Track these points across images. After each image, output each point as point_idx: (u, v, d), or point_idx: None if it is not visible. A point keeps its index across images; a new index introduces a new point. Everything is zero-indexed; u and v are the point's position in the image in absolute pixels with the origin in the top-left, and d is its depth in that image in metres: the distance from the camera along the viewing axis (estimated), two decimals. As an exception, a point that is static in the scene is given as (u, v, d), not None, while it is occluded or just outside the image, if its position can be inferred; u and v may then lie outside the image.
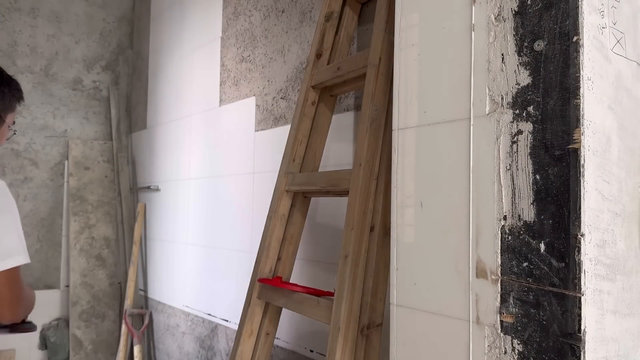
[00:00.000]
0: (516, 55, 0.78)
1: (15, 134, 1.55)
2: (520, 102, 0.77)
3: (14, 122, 1.50)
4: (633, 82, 0.80)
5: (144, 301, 2.90)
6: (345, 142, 1.53)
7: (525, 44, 0.77)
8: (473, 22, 0.85)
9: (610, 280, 0.73)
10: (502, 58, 0.80)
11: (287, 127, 1.57)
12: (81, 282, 2.94)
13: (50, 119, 2.91)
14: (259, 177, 1.94)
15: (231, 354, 1.43)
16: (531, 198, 0.75)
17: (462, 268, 0.83)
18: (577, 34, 0.71)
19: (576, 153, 0.70)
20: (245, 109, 2.05)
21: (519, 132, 0.77)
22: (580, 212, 0.69)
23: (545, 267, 0.72)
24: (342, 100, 1.57)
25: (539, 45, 0.75)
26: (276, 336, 1.48)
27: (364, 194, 1.15)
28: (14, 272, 1.23)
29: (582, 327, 0.68)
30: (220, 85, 2.24)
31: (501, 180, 0.79)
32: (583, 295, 0.68)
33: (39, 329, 2.87)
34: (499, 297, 0.78)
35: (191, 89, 2.48)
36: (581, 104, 0.70)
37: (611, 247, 0.74)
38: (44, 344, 2.92)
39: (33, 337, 2.89)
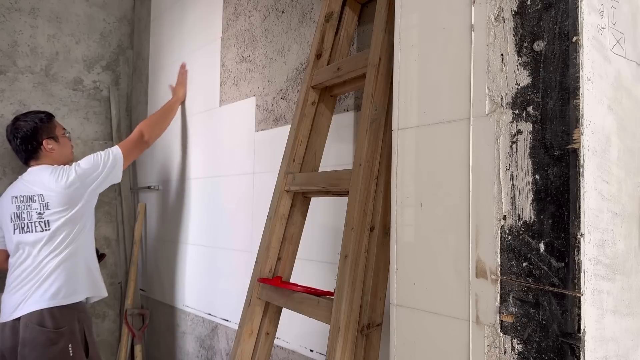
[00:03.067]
0: (516, 55, 0.78)
1: (69, 135, 2.21)
2: (519, 102, 0.77)
3: (64, 132, 2.16)
4: (633, 82, 0.80)
5: (144, 301, 2.90)
6: (345, 142, 1.53)
7: (525, 44, 0.77)
8: (473, 22, 0.85)
9: (609, 280, 0.73)
10: (502, 58, 0.80)
11: (287, 127, 1.58)
12: (81, 282, 2.93)
13: (51, 119, 2.91)
14: (259, 177, 1.94)
15: (231, 353, 1.43)
16: (531, 198, 0.75)
17: (462, 268, 0.84)
18: (577, 34, 0.71)
19: (576, 153, 0.70)
20: (245, 109, 2.05)
21: (519, 132, 0.77)
22: (579, 212, 0.69)
23: (544, 267, 0.72)
24: (342, 100, 1.57)
25: (539, 46, 0.75)
26: (276, 336, 1.48)
27: (364, 194, 1.15)
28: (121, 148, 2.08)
29: (582, 327, 0.68)
30: (221, 85, 2.24)
31: (501, 180, 0.79)
32: (582, 295, 0.68)
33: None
34: (498, 297, 0.78)
35: (191, 89, 2.48)
36: (581, 104, 0.70)
37: (611, 247, 0.74)
38: (44, 344, 2.91)
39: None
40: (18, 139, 2.04)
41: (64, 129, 2.16)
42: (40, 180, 1.98)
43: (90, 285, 2.02)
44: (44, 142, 2.05)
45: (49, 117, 2.12)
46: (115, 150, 2.06)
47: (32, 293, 1.89)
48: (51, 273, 1.91)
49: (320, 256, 1.60)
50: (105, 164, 2.01)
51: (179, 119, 2.59)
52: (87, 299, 2.07)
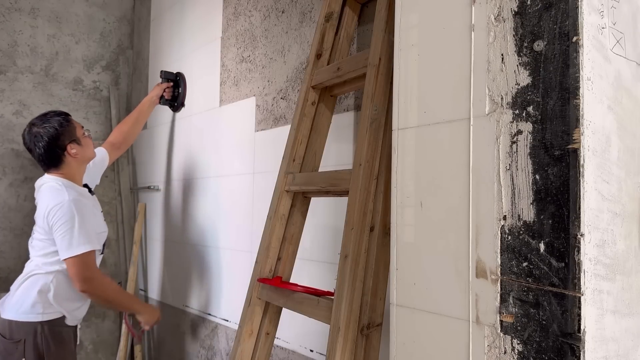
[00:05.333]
0: (516, 55, 0.78)
1: (89, 133, 2.00)
2: (520, 102, 0.77)
3: (83, 131, 1.95)
4: (633, 82, 0.80)
5: (144, 301, 2.90)
6: (345, 142, 1.53)
7: (525, 44, 0.77)
8: (473, 22, 0.85)
9: (609, 280, 0.73)
10: (502, 58, 0.80)
11: (287, 127, 1.58)
12: (81, 282, 2.93)
13: (51, 119, 2.91)
14: (259, 177, 1.94)
15: (231, 353, 1.43)
16: (531, 198, 0.75)
17: (462, 268, 0.84)
18: (577, 34, 0.71)
19: (576, 153, 0.70)
20: (245, 109, 2.05)
21: (519, 132, 0.77)
22: (579, 212, 0.69)
23: (545, 267, 0.72)
24: (342, 100, 1.57)
25: (539, 46, 0.75)
26: (276, 336, 1.48)
27: (364, 194, 1.15)
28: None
29: (582, 327, 0.68)
30: (221, 85, 2.24)
31: (501, 180, 0.79)
32: (583, 295, 0.68)
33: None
34: (498, 297, 0.78)
35: (191, 89, 2.48)
36: (581, 104, 0.70)
37: (611, 247, 0.74)
38: (44, 344, 2.91)
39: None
40: (40, 149, 1.84)
41: (82, 127, 1.96)
42: (42, 195, 1.88)
43: (46, 310, 1.86)
44: (68, 147, 1.86)
45: (67, 118, 1.90)
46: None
47: (7, 300, 1.90)
48: (19, 286, 1.88)
49: (320, 256, 1.60)
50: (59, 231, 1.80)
51: (179, 118, 2.59)
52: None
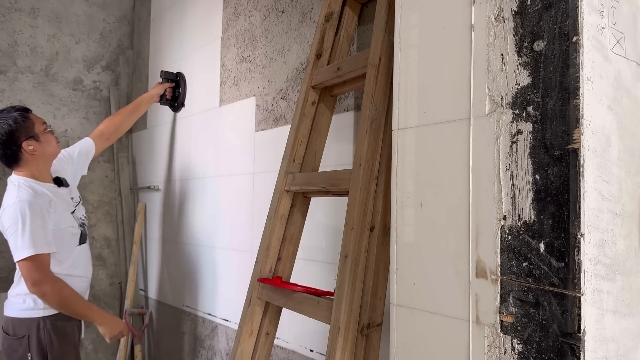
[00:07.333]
0: (516, 55, 0.78)
1: (50, 129, 1.93)
2: (520, 102, 0.77)
3: (44, 127, 1.89)
4: (633, 82, 0.80)
5: (144, 301, 2.90)
6: (345, 142, 1.53)
7: (525, 44, 0.77)
8: (473, 22, 0.85)
9: (609, 280, 0.73)
10: (502, 58, 0.80)
11: (287, 127, 1.58)
12: (81, 282, 2.93)
13: (51, 119, 2.91)
14: (259, 177, 1.94)
15: (231, 353, 1.43)
16: (531, 198, 0.75)
17: (462, 268, 0.84)
18: (577, 34, 0.71)
19: (576, 153, 0.70)
20: (246, 109, 2.05)
21: (519, 132, 0.77)
22: (579, 212, 0.69)
23: (545, 267, 0.72)
24: (342, 100, 1.57)
25: (539, 46, 0.75)
26: (276, 336, 1.48)
27: (364, 194, 1.15)
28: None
29: (582, 327, 0.68)
30: (221, 85, 2.24)
31: (501, 180, 0.79)
32: (583, 295, 0.68)
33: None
34: (498, 297, 0.78)
35: (191, 89, 2.48)
36: (581, 104, 0.70)
37: (611, 247, 0.74)
38: (44, 344, 2.91)
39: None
40: None
41: (44, 123, 1.89)
42: (5, 193, 1.86)
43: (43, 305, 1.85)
44: (23, 144, 1.80)
45: (24, 114, 1.84)
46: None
47: (7, 298, 1.91)
48: (17, 283, 1.88)
49: (320, 256, 1.60)
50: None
51: (179, 118, 2.59)
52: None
